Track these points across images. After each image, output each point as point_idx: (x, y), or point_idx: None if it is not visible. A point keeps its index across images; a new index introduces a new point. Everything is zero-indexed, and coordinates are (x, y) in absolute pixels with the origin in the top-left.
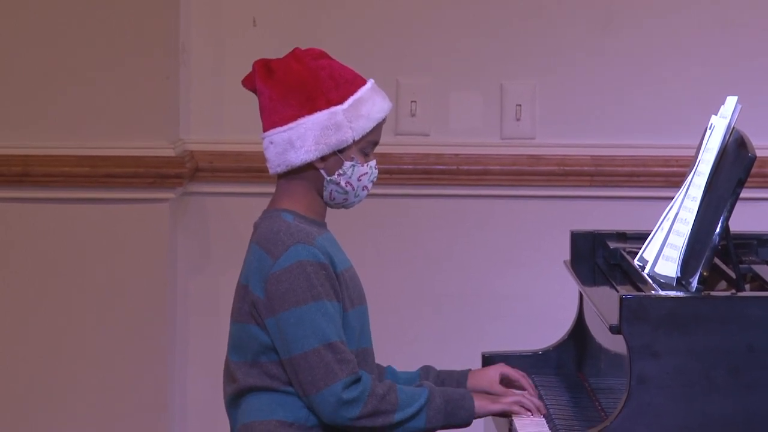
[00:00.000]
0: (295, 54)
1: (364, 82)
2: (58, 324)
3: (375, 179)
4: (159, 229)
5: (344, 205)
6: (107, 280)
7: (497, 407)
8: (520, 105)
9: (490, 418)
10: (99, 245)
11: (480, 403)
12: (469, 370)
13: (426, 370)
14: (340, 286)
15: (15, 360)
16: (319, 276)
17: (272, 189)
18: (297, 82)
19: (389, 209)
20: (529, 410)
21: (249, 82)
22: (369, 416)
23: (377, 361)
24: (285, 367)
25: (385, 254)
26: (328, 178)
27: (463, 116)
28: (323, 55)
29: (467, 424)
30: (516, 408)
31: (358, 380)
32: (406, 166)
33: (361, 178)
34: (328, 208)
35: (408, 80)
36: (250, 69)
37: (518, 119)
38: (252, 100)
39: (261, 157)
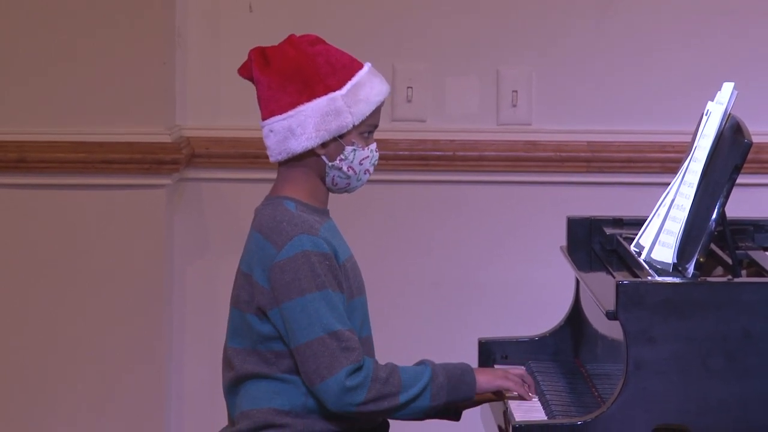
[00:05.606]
0: (291, 41)
1: (361, 66)
2: (54, 311)
3: (376, 162)
4: (155, 215)
5: (347, 189)
6: (104, 267)
7: (500, 382)
8: (516, 91)
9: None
10: (95, 231)
11: (483, 378)
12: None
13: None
14: (342, 277)
15: (11, 346)
16: (323, 266)
17: (269, 175)
18: (294, 70)
19: (385, 195)
20: (528, 384)
21: (245, 71)
22: (374, 401)
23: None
24: (293, 357)
25: (380, 240)
26: (330, 163)
27: (460, 102)
28: (319, 40)
29: (470, 398)
30: (511, 384)
31: (360, 367)
32: (402, 152)
33: (362, 161)
34: (330, 194)
35: (404, 66)
36: (246, 54)
37: (514, 105)
38: (249, 86)
39: (257, 142)
